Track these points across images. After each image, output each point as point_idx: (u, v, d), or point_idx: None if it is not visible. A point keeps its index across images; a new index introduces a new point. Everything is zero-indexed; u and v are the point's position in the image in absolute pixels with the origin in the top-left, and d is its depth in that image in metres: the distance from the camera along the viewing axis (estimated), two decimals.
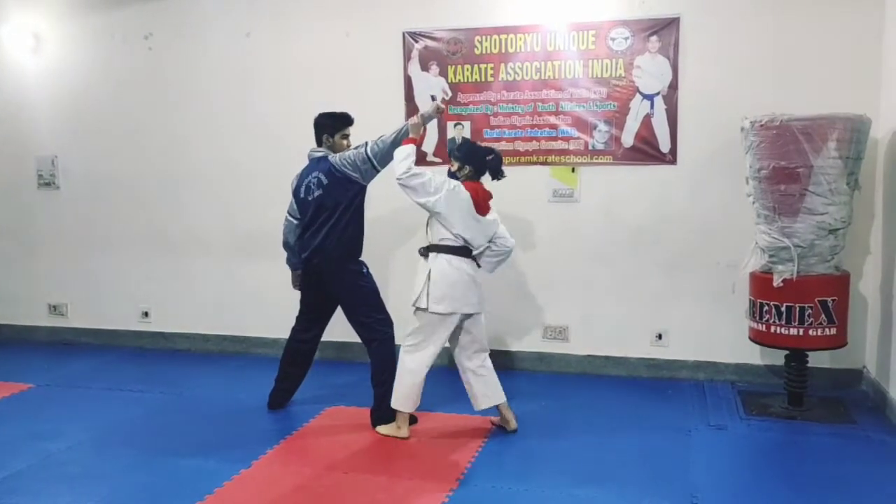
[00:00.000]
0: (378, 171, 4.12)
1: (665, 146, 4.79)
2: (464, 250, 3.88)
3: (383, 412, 4.04)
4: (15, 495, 3.32)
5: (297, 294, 5.39)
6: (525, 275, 5.07)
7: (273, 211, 5.39)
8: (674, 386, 4.76)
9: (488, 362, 3.98)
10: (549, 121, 4.94)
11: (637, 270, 4.90)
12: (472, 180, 3.91)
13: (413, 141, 3.93)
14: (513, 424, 3.97)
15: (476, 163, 3.92)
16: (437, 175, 3.88)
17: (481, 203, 3.89)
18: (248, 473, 3.52)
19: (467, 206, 3.82)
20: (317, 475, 3.51)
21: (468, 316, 3.91)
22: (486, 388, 3.93)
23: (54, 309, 5.96)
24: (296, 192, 4.26)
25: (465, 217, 3.83)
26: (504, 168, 3.97)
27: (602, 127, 4.86)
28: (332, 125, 4.23)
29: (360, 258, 4.26)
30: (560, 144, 4.95)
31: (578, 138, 4.91)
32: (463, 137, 4.04)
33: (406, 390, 3.90)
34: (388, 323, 4.19)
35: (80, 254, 5.86)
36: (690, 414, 4.25)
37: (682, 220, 4.80)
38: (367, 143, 4.09)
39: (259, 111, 5.38)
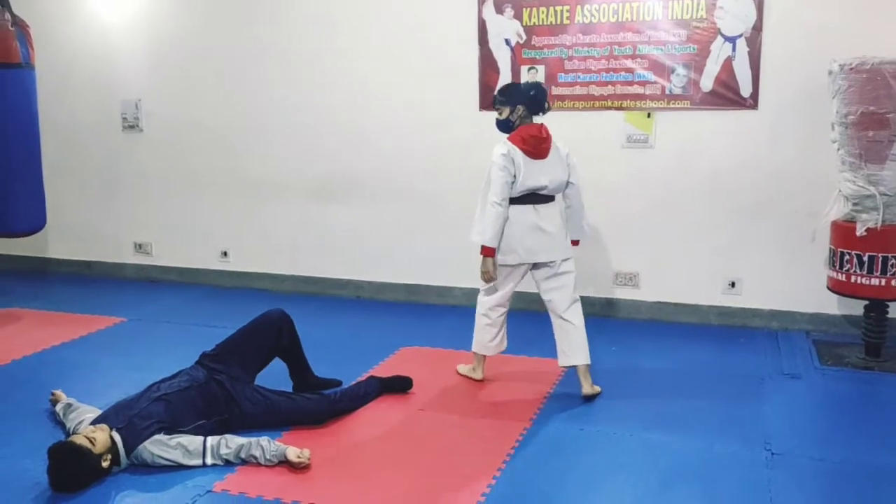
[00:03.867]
0: None
1: (746, 90, 4.66)
2: (527, 198, 3.72)
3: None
4: None
5: (368, 237, 5.52)
6: (596, 220, 5.02)
7: (346, 155, 5.52)
8: (746, 334, 4.73)
9: (574, 316, 3.79)
10: (626, 64, 4.85)
11: (712, 217, 4.84)
12: (526, 122, 3.74)
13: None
14: (585, 389, 3.76)
15: (526, 100, 3.72)
16: (493, 179, 3.67)
17: (531, 150, 3.68)
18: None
19: (521, 161, 3.66)
20: (392, 412, 3.65)
21: (539, 267, 3.81)
22: (564, 345, 3.80)
23: (140, 247, 6.24)
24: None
25: (522, 170, 3.66)
26: (548, 103, 3.80)
27: (680, 71, 4.76)
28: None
29: None
30: (636, 89, 4.87)
31: (655, 82, 4.82)
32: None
33: (477, 332, 3.97)
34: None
35: (162, 195, 6.08)
36: (763, 362, 4.25)
37: (761, 166, 4.70)
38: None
39: (335, 56, 5.42)
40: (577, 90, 4.96)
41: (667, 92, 4.81)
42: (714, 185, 4.80)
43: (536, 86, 3.82)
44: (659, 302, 5.04)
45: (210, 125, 5.83)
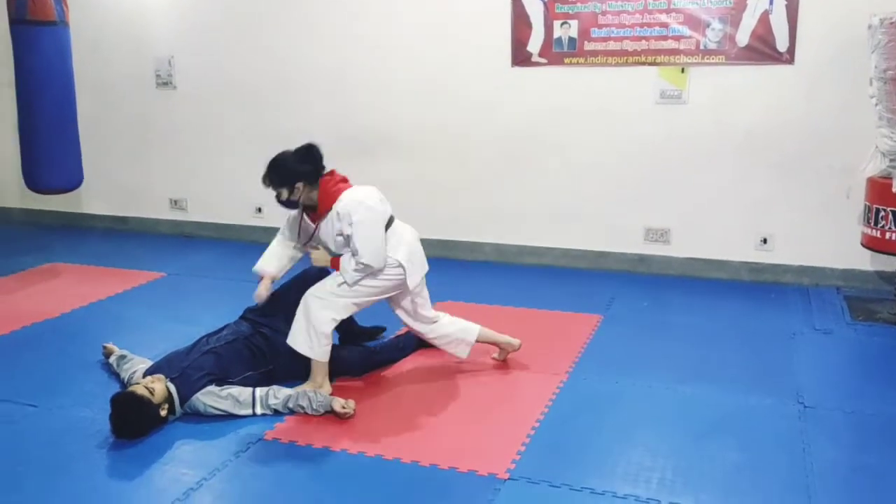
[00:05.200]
0: None
1: (783, 45, 4.62)
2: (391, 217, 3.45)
3: None
4: None
5: (399, 193, 5.48)
6: (627, 176, 5.08)
7: (377, 112, 5.54)
8: (777, 290, 4.78)
9: (435, 311, 3.64)
10: (660, 19, 4.81)
11: (745, 174, 4.84)
12: (314, 192, 3.34)
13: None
14: (513, 345, 3.71)
15: (302, 176, 3.32)
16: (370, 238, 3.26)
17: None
18: None
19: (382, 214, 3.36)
20: (430, 365, 3.75)
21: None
22: (456, 331, 3.62)
23: (175, 203, 6.34)
24: None
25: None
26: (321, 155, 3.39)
27: (716, 25, 4.71)
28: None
29: None
30: (670, 44, 4.83)
31: (690, 37, 4.78)
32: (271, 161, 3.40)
33: (322, 343, 3.37)
34: None
35: (196, 151, 6.15)
36: (795, 318, 4.30)
37: (797, 122, 4.68)
38: None
39: (367, 12, 5.42)
40: (611, 45, 4.93)
41: (701, 47, 4.77)
42: (748, 141, 4.79)
43: (306, 154, 3.35)
44: (690, 258, 5.07)
45: (242, 82, 5.87)
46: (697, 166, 4.92)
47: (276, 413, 3.23)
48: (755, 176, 4.83)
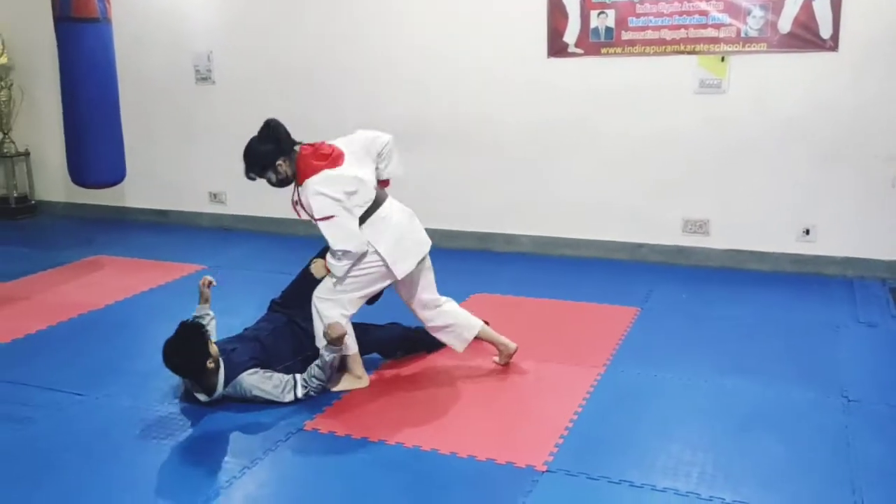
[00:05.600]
0: None
1: (826, 31, 4.52)
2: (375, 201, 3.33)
3: None
4: None
5: (437, 185, 5.58)
6: (666, 167, 5.02)
7: (414, 104, 5.55)
8: (820, 282, 4.69)
9: (443, 296, 3.55)
10: (700, 7, 4.74)
11: (786, 164, 4.75)
12: (294, 164, 3.29)
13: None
14: (510, 347, 3.59)
15: (277, 153, 3.29)
16: (341, 225, 3.19)
17: (332, 165, 3.27)
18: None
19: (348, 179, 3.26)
20: (468, 357, 3.71)
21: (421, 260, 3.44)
22: (459, 324, 3.52)
23: (214, 197, 6.43)
24: None
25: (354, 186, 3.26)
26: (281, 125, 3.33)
27: (757, 12, 4.63)
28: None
29: None
30: (710, 32, 4.76)
31: (730, 25, 4.70)
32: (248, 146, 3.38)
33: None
34: None
35: (235, 145, 6.12)
36: (838, 310, 4.21)
37: (840, 110, 4.58)
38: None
39: (403, 6, 5.43)
40: (649, 34, 4.87)
41: (742, 34, 4.69)
42: (790, 131, 4.70)
43: (268, 133, 3.32)
44: (730, 249, 5.00)
45: (280, 76, 5.92)
46: (738, 156, 4.85)
47: (315, 392, 3.29)
48: (797, 165, 4.74)
